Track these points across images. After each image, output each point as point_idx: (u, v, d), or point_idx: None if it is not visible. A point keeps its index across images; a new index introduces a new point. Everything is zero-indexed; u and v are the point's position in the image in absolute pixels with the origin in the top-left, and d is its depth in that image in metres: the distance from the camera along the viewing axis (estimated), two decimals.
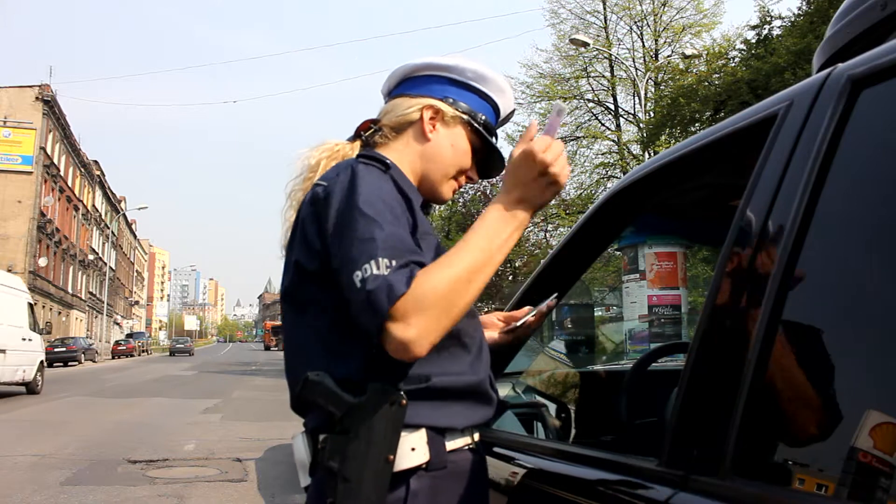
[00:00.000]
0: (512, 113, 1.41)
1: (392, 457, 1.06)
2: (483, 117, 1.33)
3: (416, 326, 1.01)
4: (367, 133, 1.34)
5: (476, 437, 1.21)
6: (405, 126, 1.31)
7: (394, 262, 1.03)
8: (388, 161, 1.21)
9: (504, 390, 2.04)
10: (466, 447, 1.18)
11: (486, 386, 1.22)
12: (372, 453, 1.05)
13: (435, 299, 1.02)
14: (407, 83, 1.35)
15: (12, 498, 5.50)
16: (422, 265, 1.06)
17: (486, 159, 1.36)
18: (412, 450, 1.09)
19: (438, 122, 1.30)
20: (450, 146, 1.31)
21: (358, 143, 1.33)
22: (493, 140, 1.35)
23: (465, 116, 1.31)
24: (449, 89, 1.32)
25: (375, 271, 1.02)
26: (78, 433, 9.09)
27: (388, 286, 1.01)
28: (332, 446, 1.07)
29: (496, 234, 1.12)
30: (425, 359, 1.06)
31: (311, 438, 1.14)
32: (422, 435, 1.11)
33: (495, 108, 1.36)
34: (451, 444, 1.14)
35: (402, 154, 1.30)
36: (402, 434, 1.08)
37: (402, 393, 1.08)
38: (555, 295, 1.47)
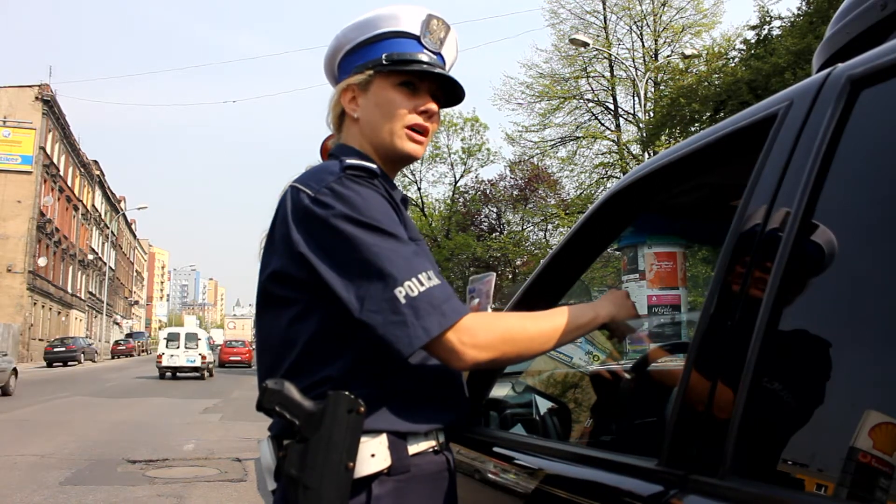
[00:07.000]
0: (433, 19, 1.28)
1: (352, 464, 1.06)
2: (387, 56, 1.25)
3: (477, 339, 1.11)
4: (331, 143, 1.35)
5: (441, 439, 1.21)
6: (341, 118, 1.32)
7: (432, 276, 1.10)
8: (374, 168, 1.17)
9: (504, 390, 2.04)
10: (431, 450, 1.18)
11: (452, 389, 1.23)
12: (331, 461, 1.05)
13: (497, 328, 1.16)
14: (336, 77, 1.35)
15: (12, 498, 5.51)
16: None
17: (436, 88, 1.29)
18: (372, 456, 1.09)
19: (357, 95, 1.29)
20: (374, 107, 1.27)
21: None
22: (423, 64, 1.25)
23: (371, 72, 1.26)
24: (352, 61, 1.30)
25: (424, 284, 1.08)
26: (78, 433, 9.09)
27: (447, 299, 1.09)
28: (293, 454, 1.07)
29: (571, 330, 1.23)
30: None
31: (275, 443, 1.14)
32: (382, 440, 1.11)
33: (402, 34, 1.27)
34: (413, 448, 1.14)
35: (351, 143, 1.30)
36: (362, 440, 1.08)
37: (359, 400, 1.07)
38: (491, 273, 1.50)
